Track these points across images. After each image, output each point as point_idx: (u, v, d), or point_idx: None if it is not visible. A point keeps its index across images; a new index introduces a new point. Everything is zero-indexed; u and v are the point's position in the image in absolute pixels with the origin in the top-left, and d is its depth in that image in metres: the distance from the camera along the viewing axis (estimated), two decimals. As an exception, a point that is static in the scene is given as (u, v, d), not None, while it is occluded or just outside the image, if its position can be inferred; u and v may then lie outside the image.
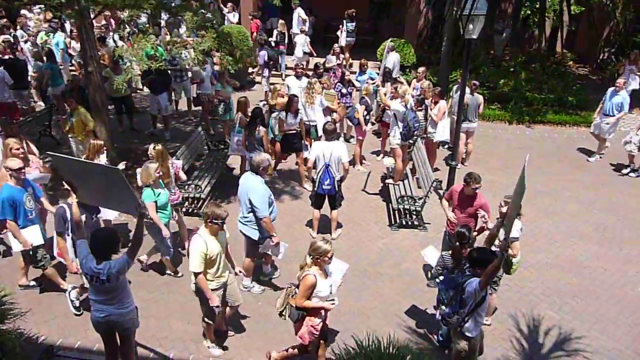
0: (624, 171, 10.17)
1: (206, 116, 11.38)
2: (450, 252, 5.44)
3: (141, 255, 6.75)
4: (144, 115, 11.78)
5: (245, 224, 6.22)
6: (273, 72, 14.36)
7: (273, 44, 14.01)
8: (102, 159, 6.99)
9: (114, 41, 13.33)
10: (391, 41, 12.66)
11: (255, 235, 6.22)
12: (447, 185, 8.63)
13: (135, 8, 7.48)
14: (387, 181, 9.13)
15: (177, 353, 5.60)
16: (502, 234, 5.78)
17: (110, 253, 4.46)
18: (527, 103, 13.19)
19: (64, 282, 6.35)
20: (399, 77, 11.89)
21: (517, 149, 11.23)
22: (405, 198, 8.16)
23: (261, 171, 6.13)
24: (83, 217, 5.61)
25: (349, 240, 7.77)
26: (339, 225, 7.95)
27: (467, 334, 4.74)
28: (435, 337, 5.95)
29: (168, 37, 11.61)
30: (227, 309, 5.64)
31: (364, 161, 10.19)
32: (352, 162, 9.61)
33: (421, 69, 10.86)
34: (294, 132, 8.96)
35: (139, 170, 6.93)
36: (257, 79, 12.77)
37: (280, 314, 5.03)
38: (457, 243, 5.32)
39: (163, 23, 12.77)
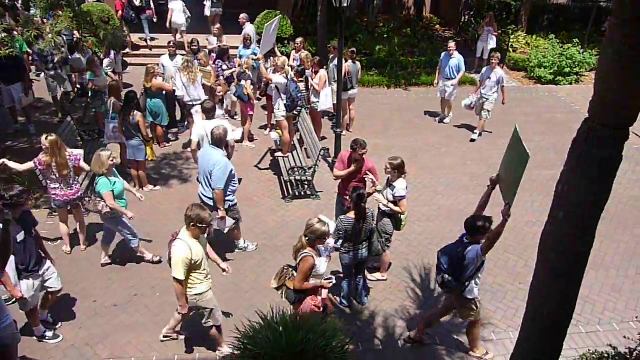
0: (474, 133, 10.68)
1: (86, 106, 10.45)
2: (352, 215, 5.59)
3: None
4: (2, 109, 10.51)
5: (212, 198, 6.23)
6: (146, 52, 13.59)
7: (138, 8, 13.19)
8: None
9: None
10: (267, 13, 12.49)
11: (225, 204, 6.32)
12: (334, 152, 8.86)
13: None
14: (276, 154, 9.14)
15: (71, 361, 5.23)
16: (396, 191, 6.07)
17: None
18: (402, 67, 13.84)
19: None
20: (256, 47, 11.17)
21: (397, 112, 11.79)
22: (296, 169, 8.25)
23: (222, 144, 6.23)
24: (21, 236, 4.89)
25: (244, 217, 7.64)
26: (233, 204, 7.84)
27: (468, 296, 5.06)
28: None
29: (11, 21, 10.23)
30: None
31: (253, 137, 10.07)
32: (240, 139, 9.45)
33: (299, 40, 10.90)
34: None
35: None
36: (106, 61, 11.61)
37: (278, 289, 5.03)
38: (357, 203, 5.50)
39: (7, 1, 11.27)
